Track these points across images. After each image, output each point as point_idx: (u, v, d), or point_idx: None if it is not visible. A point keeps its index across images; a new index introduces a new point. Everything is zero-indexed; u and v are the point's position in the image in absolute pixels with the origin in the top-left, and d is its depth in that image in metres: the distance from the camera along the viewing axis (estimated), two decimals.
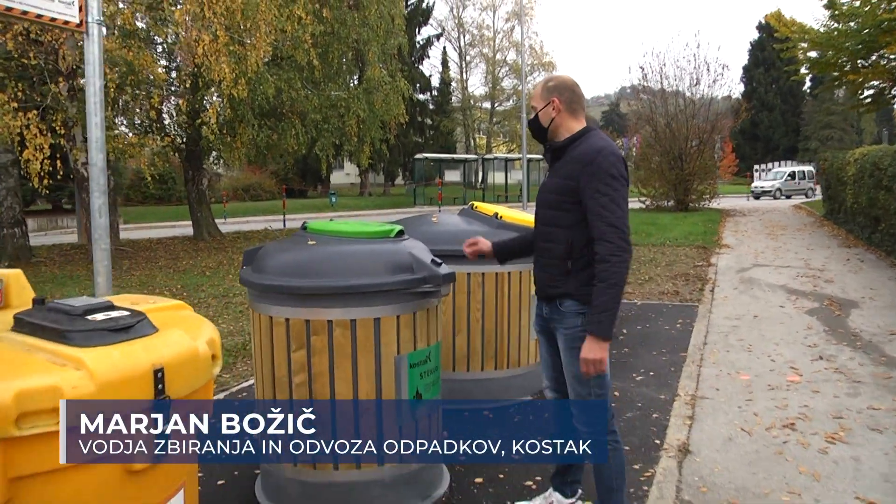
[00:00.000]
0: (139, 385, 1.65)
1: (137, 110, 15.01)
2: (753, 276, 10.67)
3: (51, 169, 10.70)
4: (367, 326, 3.08)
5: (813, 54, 19.33)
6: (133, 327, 1.73)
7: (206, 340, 1.92)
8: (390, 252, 3.17)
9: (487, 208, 5.06)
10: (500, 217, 4.90)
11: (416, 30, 43.24)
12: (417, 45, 43.96)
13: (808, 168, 40.14)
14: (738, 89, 55.47)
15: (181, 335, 1.82)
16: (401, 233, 3.38)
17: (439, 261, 3.22)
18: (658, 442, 4.34)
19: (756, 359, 6.21)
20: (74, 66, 11.60)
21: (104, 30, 3.81)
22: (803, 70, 22.76)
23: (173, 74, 15.07)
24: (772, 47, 55.71)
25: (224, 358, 6.54)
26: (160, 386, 1.67)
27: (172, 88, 15.11)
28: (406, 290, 3.10)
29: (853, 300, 8.59)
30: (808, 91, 57.84)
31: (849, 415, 4.76)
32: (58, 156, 11.25)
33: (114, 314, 1.78)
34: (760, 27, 58.47)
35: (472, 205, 5.17)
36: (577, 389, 3.03)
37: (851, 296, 8.87)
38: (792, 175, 39.50)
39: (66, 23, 3.53)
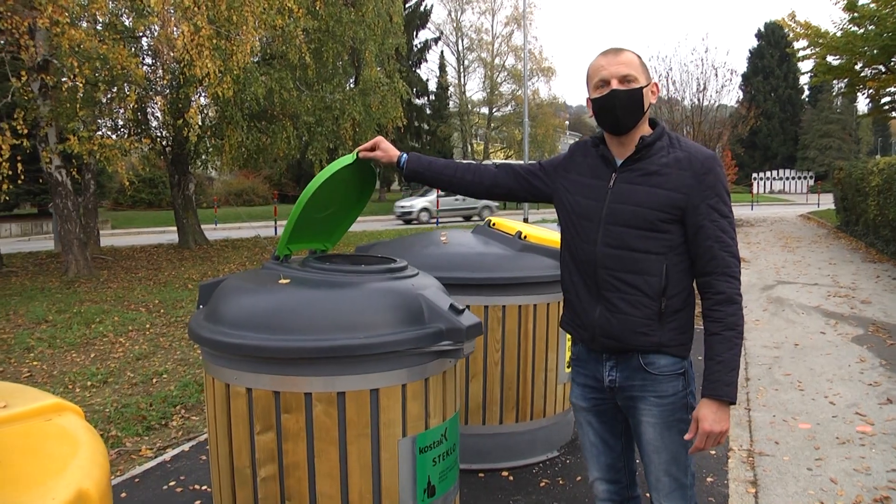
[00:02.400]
0: None
1: (121, 111, 14.12)
2: (781, 294, 9.82)
3: (10, 173, 9.75)
4: (360, 401, 2.20)
5: (829, 59, 18.52)
6: None
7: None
8: (393, 295, 2.30)
9: (508, 226, 4.19)
10: (525, 237, 4.03)
11: (414, 33, 42.35)
12: (415, 49, 43.08)
13: None
14: (737, 97, 54.96)
15: None
16: (358, 160, 2.51)
17: (461, 307, 2.35)
18: None
19: (812, 400, 5.36)
20: (45, 60, 10.67)
21: None
22: (806, 78, 21.95)
23: (160, 73, 14.17)
24: (770, 55, 55.64)
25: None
26: None
27: (157, 88, 14.19)
28: (415, 349, 2.23)
29: None
30: (807, 100, 57.36)
31: None
32: (18, 158, 10.28)
33: None
34: (759, 35, 57.88)
35: (490, 222, 4.30)
36: (676, 476, 2.26)
37: None
38: None
39: None
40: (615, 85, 2.16)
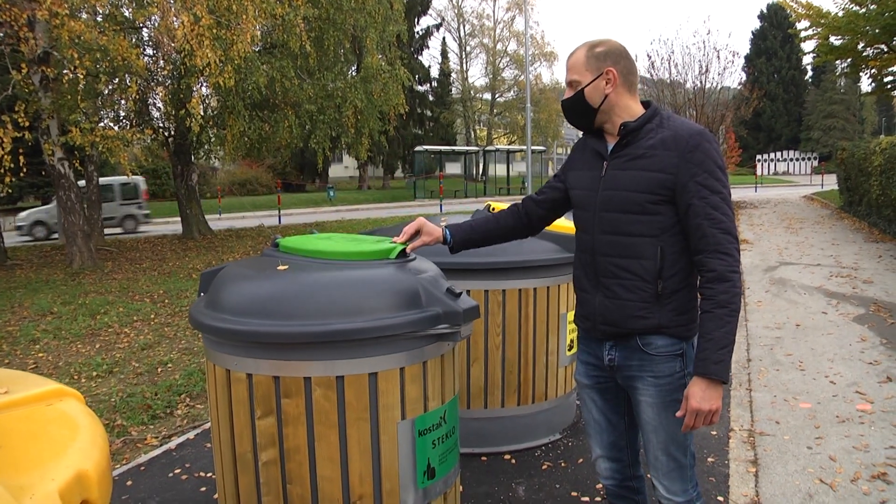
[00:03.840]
0: None
1: (122, 102, 14.13)
2: (783, 275, 9.83)
3: (13, 166, 9.80)
4: (359, 385, 2.23)
5: (832, 39, 18.41)
6: None
7: (52, 489, 1.04)
8: (391, 280, 2.32)
9: None
10: None
11: (416, 20, 42.20)
12: (416, 36, 42.96)
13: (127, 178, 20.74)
14: (740, 78, 54.78)
15: None
16: (403, 253, 2.52)
17: (458, 290, 2.37)
18: (721, 500, 3.52)
19: (812, 380, 5.38)
20: (46, 52, 10.68)
21: None
22: (809, 59, 21.81)
23: (160, 63, 14.18)
24: (773, 37, 55.35)
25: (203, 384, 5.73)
26: None
27: (158, 79, 14.20)
28: (413, 333, 2.25)
29: None
30: (810, 80, 57.09)
31: None
32: (20, 150, 10.31)
33: None
34: (762, 16, 57.66)
35: (489, 206, 4.32)
36: (675, 456, 2.28)
37: None
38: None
39: None
40: (566, 94, 2.30)
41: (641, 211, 2.16)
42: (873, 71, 19.01)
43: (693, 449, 2.33)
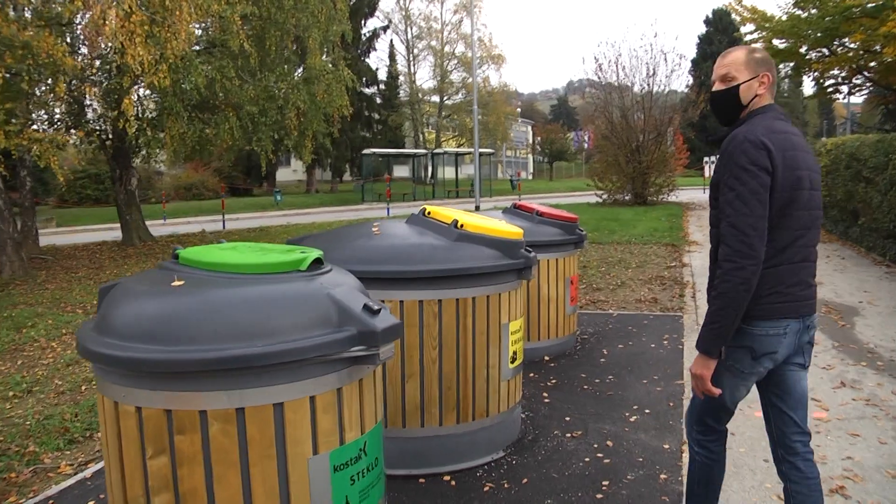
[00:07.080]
0: None
1: (51, 102, 13.49)
2: None
3: None
4: (262, 417, 1.95)
5: (776, 42, 18.61)
6: None
7: None
8: (298, 297, 2.04)
9: (443, 214, 3.96)
10: (461, 225, 3.80)
11: (362, 21, 41.70)
12: (363, 38, 42.49)
13: None
14: (687, 82, 55.60)
15: None
16: (318, 262, 2.25)
17: (376, 306, 2.10)
18: None
19: None
20: None
21: None
22: None
23: (96, 62, 13.59)
24: (719, 41, 56.28)
25: None
26: None
27: (91, 78, 13.60)
28: (324, 356, 1.98)
29: (852, 306, 7.73)
30: None
31: None
32: None
33: None
34: (708, 21, 58.62)
35: (425, 210, 4.07)
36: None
37: (847, 300, 8.03)
38: None
39: None
40: (716, 86, 2.56)
41: (712, 205, 2.52)
42: (815, 74, 19.30)
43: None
